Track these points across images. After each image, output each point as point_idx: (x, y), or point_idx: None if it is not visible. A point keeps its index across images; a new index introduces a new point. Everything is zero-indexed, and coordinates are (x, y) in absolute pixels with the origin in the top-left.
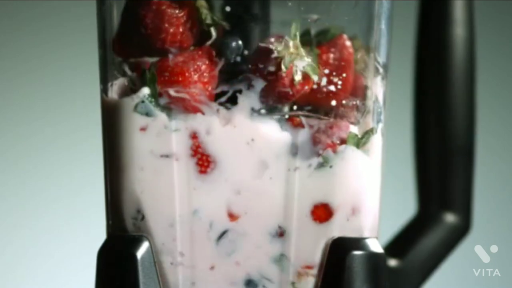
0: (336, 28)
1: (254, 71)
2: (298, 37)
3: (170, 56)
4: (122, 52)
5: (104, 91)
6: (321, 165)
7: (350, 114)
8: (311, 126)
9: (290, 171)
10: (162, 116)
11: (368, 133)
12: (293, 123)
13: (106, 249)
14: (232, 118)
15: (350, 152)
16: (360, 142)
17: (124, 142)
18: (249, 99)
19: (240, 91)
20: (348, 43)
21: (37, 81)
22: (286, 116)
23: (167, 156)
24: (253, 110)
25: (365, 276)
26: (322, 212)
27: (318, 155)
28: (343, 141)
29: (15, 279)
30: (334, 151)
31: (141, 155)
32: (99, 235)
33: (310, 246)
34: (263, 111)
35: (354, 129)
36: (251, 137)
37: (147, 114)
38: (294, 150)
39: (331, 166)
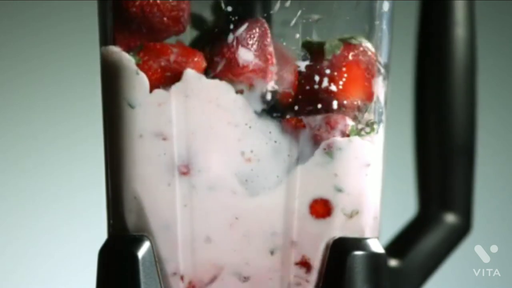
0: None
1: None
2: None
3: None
4: (123, 43)
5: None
6: (321, 162)
7: (351, 115)
8: (311, 126)
9: (291, 169)
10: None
11: (370, 126)
12: (294, 122)
13: (107, 249)
14: (233, 119)
15: (350, 151)
16: (361, 132)
17: (124, 121)
18: (250, 99)
19: (241, 91)
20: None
21: (37, 81)
22: (287, 116)
23: (164, 139)
24: (254, 110)
25: (366, 276)
26: (321, 208)
27: (320, 152)
28: (344, 135)
29: (15, 279)
30: (335, 148)
31: (140, 136)
32: (100, 235)
33: (309, 242)
34: (264, 111)
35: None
36: (253, 136)
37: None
38: (295, 149)
39: (333, 160)
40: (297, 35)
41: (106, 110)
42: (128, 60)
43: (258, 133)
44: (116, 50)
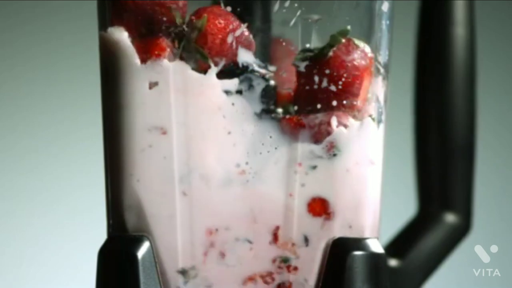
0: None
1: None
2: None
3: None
4: (122, 21)
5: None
6: (320, 162)
7: (351, 114)
8: (312, 125)
9: (291, 169)
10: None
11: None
12: (293, 122)
13: (106, 249)
14: (232, 119)
15: (349, 150)
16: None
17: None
18: (249, 100)
19: (240, 92)
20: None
21: (38, 80)
22: (287, 116)
23: (164, 132)
24: (253, 110)
25: (365, 276)
26: (318, 206)
27: (319, 151)
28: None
29: (15, 279)
30: (335, 147)
31: (140, 130)
32: (100, 235)
33: (308, 241)
34: (263, 111)
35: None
36: (252, 136)
37: None
38: (295, 151)
39: (332, 159)
40: (307, 45)
41: (105, 110)
42: (128, 49)
43: (257, 140)
44: (115, 39)
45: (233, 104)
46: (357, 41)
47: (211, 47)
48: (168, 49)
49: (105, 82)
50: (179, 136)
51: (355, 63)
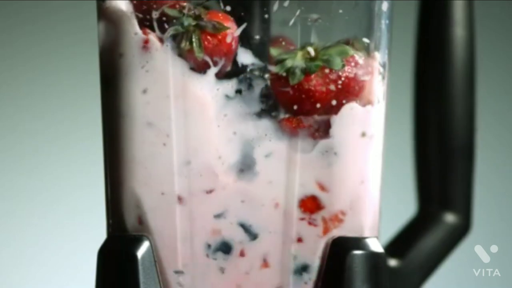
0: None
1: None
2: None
3: None
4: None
5: None
6: (321, 161)
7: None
8: (310, 125)
9: (290, 168)
10: None
11: None
12: (292, 123)
13: (106, 249)
14: (231, 119)
15: (350, 150)
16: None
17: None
18: (249, 100)
19: (239, 92)
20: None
21: (38, 80)
22: (286, 116)
23: (164, 132)
24: (253, 110)
25: (365, 275)
26: (310, 204)
27: (320, 150)
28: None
29: (15, 279)
30: (334, 148)
31: (139, 135)
32: (100, 235)
33: (307, 240)
34: (262, 111)
35: None
36: (251, 136)
37: None
38: (293, 149)
39: (335, 153)
40: (311, 51)
41: (105, 110)
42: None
43: (256, 140)
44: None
45: (232, 104)
46: (358, 55)
47: (206, 47)
48: (153, 39)
49: (105, 81)
50: (178, 137)
51: (361, 78)
